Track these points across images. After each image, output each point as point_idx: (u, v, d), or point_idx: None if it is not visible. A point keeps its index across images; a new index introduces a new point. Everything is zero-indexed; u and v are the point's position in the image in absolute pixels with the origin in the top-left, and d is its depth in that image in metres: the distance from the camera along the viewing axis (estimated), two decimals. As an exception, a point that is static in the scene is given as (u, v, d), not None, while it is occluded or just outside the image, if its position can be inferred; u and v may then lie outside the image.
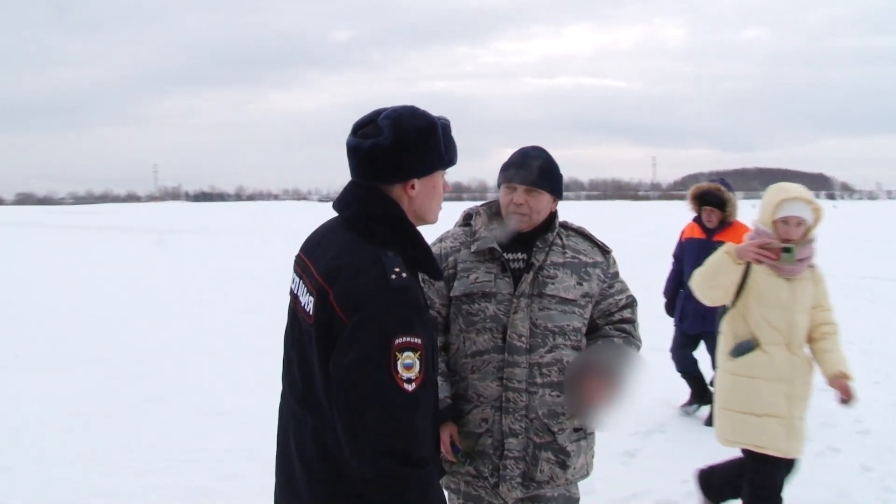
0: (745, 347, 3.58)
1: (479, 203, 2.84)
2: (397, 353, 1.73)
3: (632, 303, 2.77)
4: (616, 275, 2.76)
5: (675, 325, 6.27)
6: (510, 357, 2.57)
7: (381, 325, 1.74)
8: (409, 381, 1.74)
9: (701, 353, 6.15)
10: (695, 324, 5.96)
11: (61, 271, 16.93)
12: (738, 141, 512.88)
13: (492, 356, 2.59)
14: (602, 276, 2.70)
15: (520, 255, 2.65)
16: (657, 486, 4.71)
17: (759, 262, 3.47)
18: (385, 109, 1.97)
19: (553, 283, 2.60)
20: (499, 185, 2.70)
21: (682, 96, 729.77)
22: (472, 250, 2.65)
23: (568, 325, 2.61)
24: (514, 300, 2.58)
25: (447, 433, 2.59)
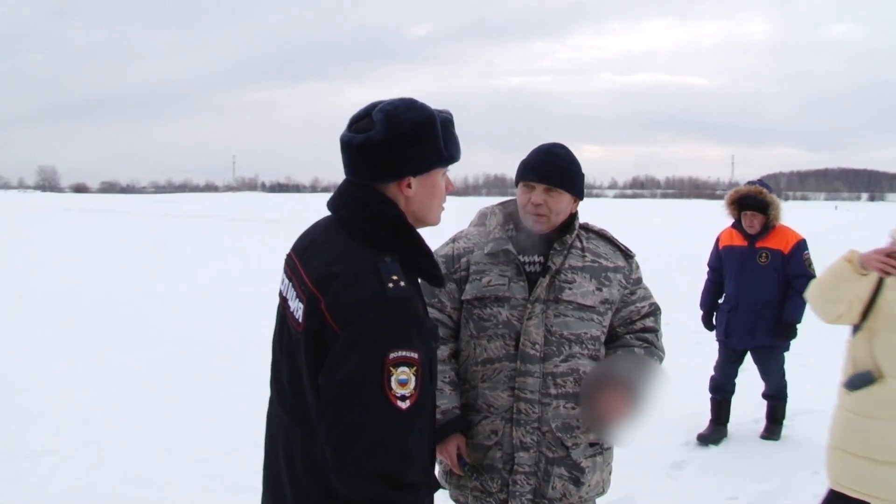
0: (863, 380, 2.98)
1: (494, 203, 2.72)
2: (392, 369, 1.61)
3: (655, 311, 2.62)
4: (639, 281, 2.62)
5: (719, 341, 5.74)
6: (523, 366, 2.44)
7: (376, 338, 1.62)
8: (403, 398, 1.62)
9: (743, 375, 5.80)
10: (744, 339, 5.51)
11: (132, 258, 17.37)
12: (823, 140, 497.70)
13: (503, 364, 2.47)
14: (623, 281, 2.56)
15: (536, 258, 2.52)
16: (703, 502, 4.50)
17: (887, 273, 2.86)
18: (381, 102, 1.83)
19: (570, 288, 2.47)
20: (516, 183, 2.57)
21: (765, 94, 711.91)
22: (486, 252, 2.53)
23: (585, 333, 2.48)
24: (529, 305, 2.45)
25: (454, 445, 2.47)
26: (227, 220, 36.45)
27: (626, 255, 2.61)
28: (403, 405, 1.62)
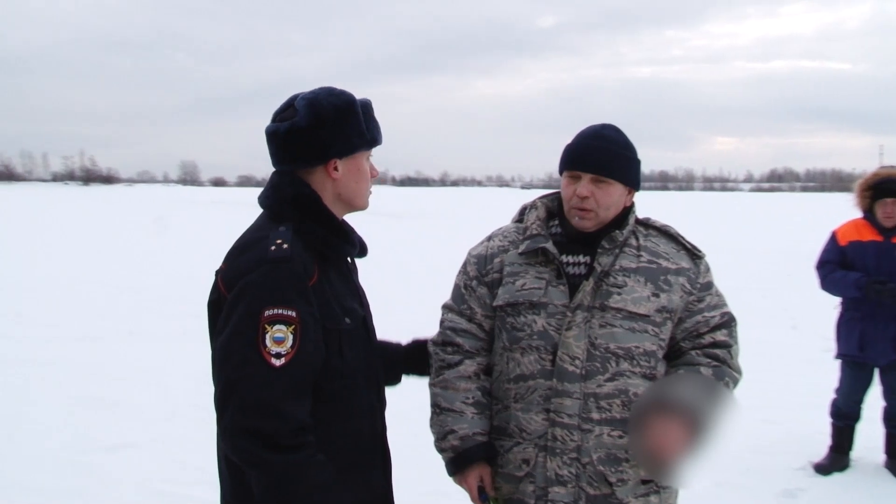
0: None
1: (539, 197, 2.35)
2: (266, 326, 1.66)
3: (728, 322, 2.21)
4: (708, 286, 2.21)
5: (845, 357, 4.84)
6: (560, 384, 2.08)
7: (251, 297, 1.69)
8: (278, 355, 1.66)
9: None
10: (886, 352, 4.62)
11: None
12: None
13: (538, 382, 2.11)
14: (688, 286, 2.16)
15: (581, 259, 2.16)
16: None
17: None
18: (301, 94, 1.92)
19: (620, 293, 2.10)
20: (560, 172, 2.21)
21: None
22: (521, 251, 2.19)
23: (637, 348, 2.09)
24: (569, 313, 2.09)
25: (476, 476, 2.16)
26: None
27: (693, 254, 2.21)
28: (278, 362, 1.65)
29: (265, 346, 1.64)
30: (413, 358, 2.28)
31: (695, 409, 1.98)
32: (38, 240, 20.11)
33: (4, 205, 40.55)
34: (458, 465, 2.16)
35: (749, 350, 7.59)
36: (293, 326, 1.67)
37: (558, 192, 2.28)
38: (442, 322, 2.30)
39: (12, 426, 5.38)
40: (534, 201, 2.31)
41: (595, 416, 2.07)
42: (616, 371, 2.07)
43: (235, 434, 1.64)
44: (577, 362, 2.07)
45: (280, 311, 1.67)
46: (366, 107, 1.93)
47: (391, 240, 20.72)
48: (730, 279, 12.68)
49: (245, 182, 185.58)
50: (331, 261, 1.88)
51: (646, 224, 2.24)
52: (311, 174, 1.89)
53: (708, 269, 2.23)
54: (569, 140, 2.21)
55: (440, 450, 2.21)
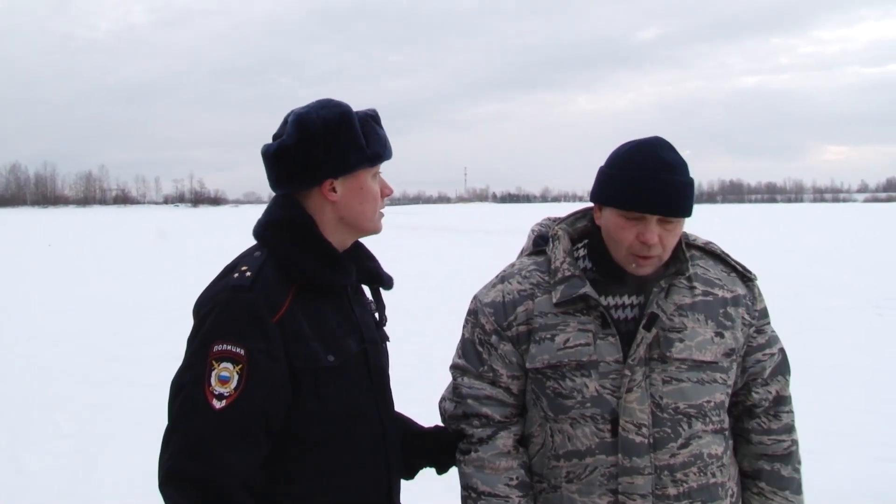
0: None
1: (551, 218, 1.98)
2: (214, 363, 1.48)
3: (784, 361, 1.89)
4: (764, 313, 1.87)
5: None
6: (627, 460, 1.72)
7: (205, 329, 1.52)
8: (220, 396, 1.46)
9: None
10: None
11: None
12: None
13: (598, 459, 1.74)
14: (747, 317, 1.82)
15: (627, 300, 1.79)
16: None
17: None
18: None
19: (682, 340, 1.74)
20: (603, 203, 1.77)
21: None
22: (556, 301, 1.78)
23: (708, 402, 1.75)
24: (627, 372, 1.73)
25: None
26: (457, 231, 37.28)
27: (745, 276, 1.87)
28: (218, 404, 1.47)
29: (209, 385, 1.47)
30: (436, 448, 1.92)
31: None
32: (153, 261, 20.92)
33: (125, 227, 42.61)
34: None
35: (864, 378, 7.27)
36: (240, 366, 1.47)
37: (580, 215, 1.93)
38: (457, 389, 1.89)
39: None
40: (554, 230, 1.88)
41: (671, 491, 1.73)
42: (690, 434, 1.74)
43: (168, 479, 1.45)
44: (644, 430, 1.72)
45: (228, 348, 1.48)
46: (365, 118, 1.71)
47: (492, 255, 20.71)
48: (843, 297, 12.19)
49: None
50: (321, 291, 1.65)
51: (689, 245, 1.86)
52: (309, 197, 1.68)
53: (760, 294, 1.88)
54: (604, 161, 1.80)
55: None
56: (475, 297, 1.90)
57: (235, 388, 1.47)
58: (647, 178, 1.69)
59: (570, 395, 1.76)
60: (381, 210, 1.77)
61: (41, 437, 5.66)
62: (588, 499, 1.75)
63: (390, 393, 1.86)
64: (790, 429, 1.88)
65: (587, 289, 1.75)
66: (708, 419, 1.76)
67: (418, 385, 7.30)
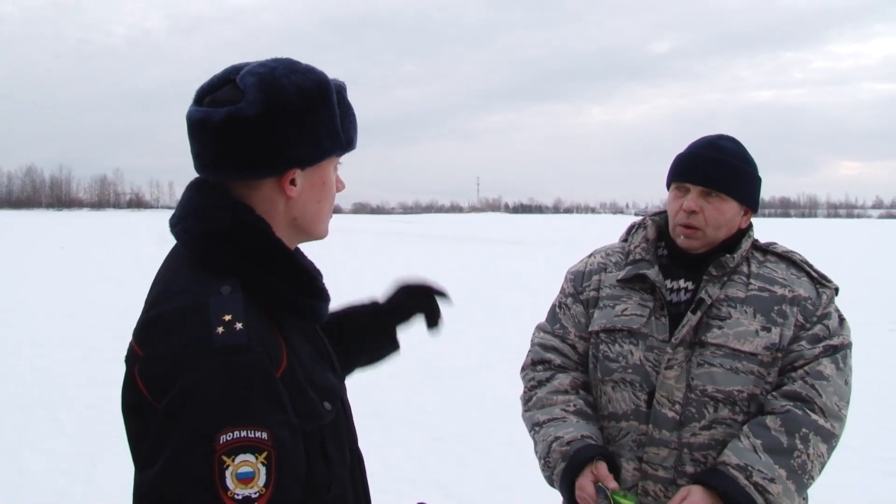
0: None
1: (650, 212, 2.14)
2: (225, 458, 1.06)
3: (829, 352, 1.81)
4: (826, 316, 1.85)
5: None
6: (656, 431, 1.83)
7: (197, 413, 1.08)
8: (248, 501, 1.07)
9: None
10: None
11: (375, 273, 18.13)
12: None
13: (630, 424, 1.87)
14: (801, 318, 1.84)
15: (682, 284, 1.92)
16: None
17: None
18: (246, 65, 1.29)
19: (722, 327, 1.82)
20: (668, 185, 1.99)
21: None
22: (620, 277, 1.97)
23: (740, 392, 1.80)
24: (669, 350, 1.84)
25: (588, 477, 1.77)
26: (470, 240, 37.31)
27: (818, 282, 1.89)
28: None
29: (227, 490, 1.06)
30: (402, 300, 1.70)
31: (736, 487, 1.68)
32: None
33: (137, 231, 42.86)
34: (572, 474, 1.80)
35: (877, 393, 7.19)
36: (264, 453, 1.09)
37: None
38: (532, 342, 2.10)
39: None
40: (643, 219, 2.08)
41: (689, 469, 1.81)
42: (713, 418, 1.80)
43: None
44: (677, 407, 1.82)
45: (243, 434, 1.08)
46: (341, 91, 1.33)
47: (512, 267, 20.68)
48: (857, 312, 12.05)
49: (360, 209, 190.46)
50: (291, 320, 1.29)
51: (765, 250, 1.96)
52: (254, 190, 1.27)
53: (831, 302, 1.88)
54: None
55: (547, 468, 1.88)
56: (567, 270, 2.13)
57: (266, 485, 1.09)
58: (691, 153, 1.94)
59: (615, 359, 1.91)
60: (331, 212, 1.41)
61: (44, 436, 5.65)
62: (617, 461, 1.87)
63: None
64: (802, 398, 1.77)
65: (650, 271, 1.92)
66: (738, 408, 1.81)
67: (425, 391, 7.29)
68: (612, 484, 1.75)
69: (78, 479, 4.81)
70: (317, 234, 1.37)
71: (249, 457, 1.08)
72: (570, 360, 2.01)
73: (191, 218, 1.26)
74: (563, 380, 1.97)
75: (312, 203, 1.32)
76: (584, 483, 1.77)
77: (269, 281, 1.23)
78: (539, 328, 2.12)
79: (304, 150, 1.26)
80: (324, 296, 1.33)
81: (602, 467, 1.78)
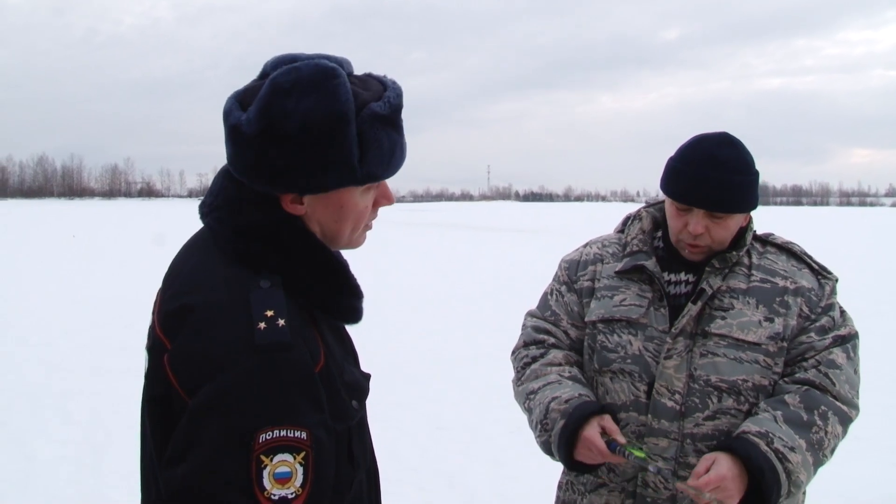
0: None
1: (648, 203, 2.11)
2: (263, 458, 1.05)
3: (840, 342, 1.81)
4: (830, 308, 1.85)
5: None
6: (656, 421, 1.81)
7: (235, 411, 1.06)
8: (283, 501, 1.06)
9: None
10: None
11: (383, 264, 18.12)
12: None
13: (630, 415, 1.85)
14: (806, 309, 1.83)
15: (683, 277, 1.89)
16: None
17: None
18: (300, 58, 1.22)
19: (725, 318, 1.81)
20: (663, 192, 1.93)
21: None
22: (618, 269, 1.95)
23: (745, 382, 1.78)
24: (669, 340, 1.82)
25: (595, 429, 1.74)
26: (478, 229, 37.24)
27: (820, 273, 1.89)
28: None
29: (263, 490, 1.05)
30: None
31: (758, 453, 1.65)
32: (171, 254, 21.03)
33: (147, 219, 42.97)
34: (571, 430, 1.76)
35: (885, 383, 7.12)
36: (302, 453, 1.08)
37: (663, 203, 2.01)
38: (523, 325, 2.08)
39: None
40: (639, 211, 2.06)
41: (692, 460, 1.78)
42: (717, 408, 1.78)
43: None
44: (677, 397, 1.80)
45: (283, 434, 1.07)
46: (374, 119, 1.19)
47: (526, 255, 20.65)
48: (867, 301, 11.97)
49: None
50: (323, 317, 1.27)
51: (764, 241, 1.95)
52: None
53: (833, 292, 1.89)
54: (673, 152, 1.89)
55: (545, 432, 1.83)
56: (561, 259, 2.10)
57: (303, 486, 1.07)
58: (695, 173, 1.80)
59: (614, 349, 1.89)
60: (371, 222, 1.33)
61: (51, 425, 5.66)
62: (619, 418, 1.84)
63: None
64: (817, 385, 1.76)
65: (648, 263, 1.90)
66: (742, 398, 1.79)
67: (425, 381, 7.28)
68: (622, 437, 1.75)
69: (85, 466, 4.83)
70: (341, 247, 1.31)
71: (288, 457, 1.07)
72: (561, 342, 1.99)
73: (225, 208, 1.23)
74: (556, 354, 1.95)
75: (330, 222, 1.26)
76: (593, 434, 1.73)
77: (309, 279, 1.21)
78: (530, 314, 2.10)
79: (301, 180, 1.18)
80: (361, 294, 1.30)
81: (609, 420, 1.77)
